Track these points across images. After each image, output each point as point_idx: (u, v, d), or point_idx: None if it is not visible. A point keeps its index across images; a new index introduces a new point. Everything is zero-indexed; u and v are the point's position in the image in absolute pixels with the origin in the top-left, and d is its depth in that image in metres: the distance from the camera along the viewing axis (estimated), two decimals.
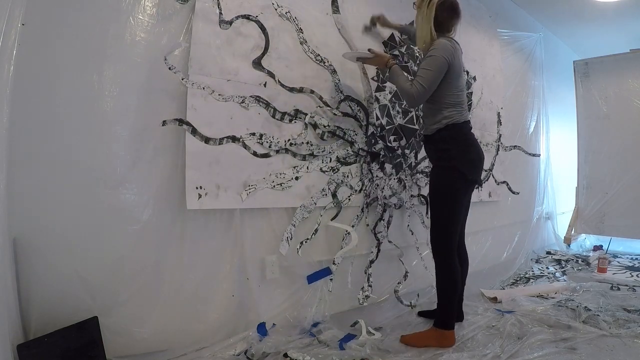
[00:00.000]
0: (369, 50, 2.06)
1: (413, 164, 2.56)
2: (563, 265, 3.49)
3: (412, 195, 2.55)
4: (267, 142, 1.86)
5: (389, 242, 2.36)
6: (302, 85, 1.99)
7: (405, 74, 1.89)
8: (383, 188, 2.36)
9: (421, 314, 2.25)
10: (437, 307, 1.94)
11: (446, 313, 1.87)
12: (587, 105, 4.10)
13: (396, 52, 2.46)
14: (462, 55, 1.99)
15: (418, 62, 2.56)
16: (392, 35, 2.46)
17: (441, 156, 1.91)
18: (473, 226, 3.09)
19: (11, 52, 1.22)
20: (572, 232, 4.10)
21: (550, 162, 4.15)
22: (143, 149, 1.56)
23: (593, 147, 4.06)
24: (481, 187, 3.04)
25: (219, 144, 1.71)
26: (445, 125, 1.87)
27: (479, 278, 2.95)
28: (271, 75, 1.88)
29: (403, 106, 2.48)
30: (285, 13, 1.94)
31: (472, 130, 1.97)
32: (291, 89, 1.95)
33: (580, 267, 3.42)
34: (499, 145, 3.32)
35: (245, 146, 1.79)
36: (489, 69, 3.27)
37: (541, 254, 3.86)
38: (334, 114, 2.11)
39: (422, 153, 2.63)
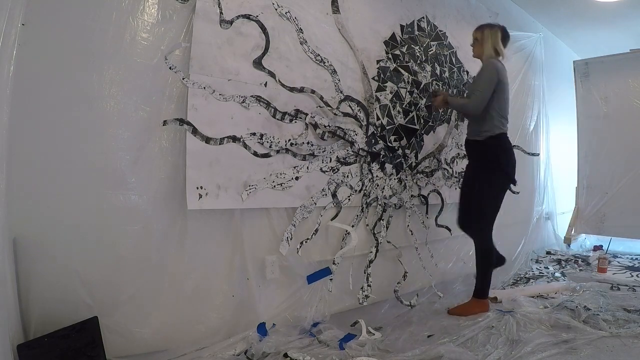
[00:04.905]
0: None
1: (413, 164, 2.56)
2: (563, 265, 3.49)
3: (412, 195, 2.55)
4: (267, 142, 1.85)
5: (388, 242, 2.37)
6: (303, 85, 1.99)
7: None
8: (383, 188, 2.36)
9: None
10: (478, 282, 2.30)
11: (485, 287, 2.29)
12: (587, 105, 4.10)
13: (397, 52, 2.46)
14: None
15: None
16: (393, 35, 2.46)
17: (487, 159, 2.28)
18: None
19: (11, 52, 1.22)
20: (572, 232, 4.10)
21: (550, 162, 4.15)
22: (143, 148, 1.56)
23: (593, 147, 4.06)
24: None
25: (220, 144, 1.70)
26: (496, 134, 2.25)
27: None
28: (272, 75, 1.88)
29: (404, 106, 2.48)
30: (285, 13, 1.94)
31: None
32: (291, 89, 1.95)
33: (580, 267, 3.42)
34: None
35: (245, 146, 1.79)
36: None
37: (541, 254, 3.86)
38: (334, 114, 2.11)
39: (423, 153, 2.63)
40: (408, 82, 2.51)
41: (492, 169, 2.26)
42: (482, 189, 2.28)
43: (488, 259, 2.31)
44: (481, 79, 2.26)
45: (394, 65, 2.44)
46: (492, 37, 2.32)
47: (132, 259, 1.54)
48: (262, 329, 1.79)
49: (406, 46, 2.52)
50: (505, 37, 2.38)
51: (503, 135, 2.27)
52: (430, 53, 2.67)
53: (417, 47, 2.59)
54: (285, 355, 1.64)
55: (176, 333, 1.64)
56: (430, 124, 2.66)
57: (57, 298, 1.37)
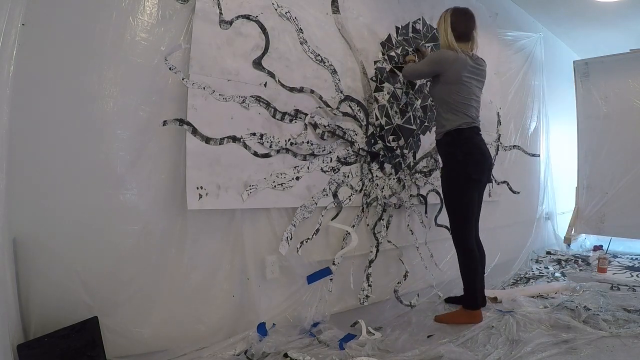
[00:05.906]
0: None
1: (411, 163, 2.56)
2: (563, 265, 3.49)
3: (411, 195, 2.55)
4: (267, 142, 1.86)
5: (388, 242, 2.37)
6: (302, 85, 1.99)
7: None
8: (383, 188, 2.36)
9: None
10: (464, 290, 2.19)
11: (471, 294, 2.13)
12: (587, 105, 4.10)
13: (392, 54, 2.46)
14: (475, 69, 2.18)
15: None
16: (389, 36, 2.46)
17: (445, 158, 2.20)
18: None
19: (11, 52, 1.23)
20: (572, 232, 4.10)
21: (550, 162, 4.15)
22: (143, 149, 1.56)
23: (593, 147, 4.06)
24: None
25: (220, 144, 1.70)
26: (448, 130, 2.12)
27: None
28: (271, 75, 1.88)
29: (400, 106, 2.48)
30: (285, 13, 1.94)
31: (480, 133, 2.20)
32: (291, 89, 1.95)
33: (580, 267, 3.42)
34: (498, 145, 3.32)
35: (245, 146, 1.79)
36: (488, 69, 3.25)
37: (541, 254, 3.86)
38: (334, 114, 2.11)
39: (420, 153, 2.63)
40: (403, 83, 2.51)
41: (449, 166, 2.16)
42: (444, 188, 2.23)
43: (468, 260, 2.15)
44: (423, 60, 2.22)
45: (390, 66, 2.44)
46: (444, 22, 2.11)
47: (132, 259, 1.54)
48: (262, 329, 1.79)
49: (400, 48, 2.52)
50: (463, 20, 2.09)
51: (458, 131, 2.09)
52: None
53: (411, 50, 2.59)
54: (285, 355, 1.64)
55: (176, 333, 1.64)
56: (425, 124, 2.66)
57: (57, 298, 1.37)
